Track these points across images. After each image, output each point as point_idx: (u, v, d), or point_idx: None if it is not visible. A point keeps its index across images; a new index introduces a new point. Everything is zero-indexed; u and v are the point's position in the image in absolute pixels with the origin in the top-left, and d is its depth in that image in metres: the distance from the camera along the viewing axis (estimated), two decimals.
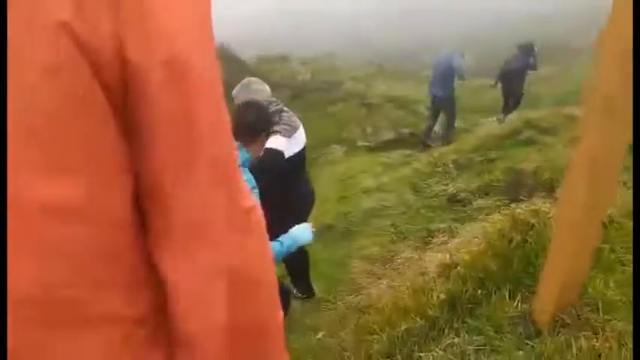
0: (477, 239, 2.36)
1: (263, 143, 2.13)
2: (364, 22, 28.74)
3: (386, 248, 4.07)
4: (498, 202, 4.57)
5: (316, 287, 3.63)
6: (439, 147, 7.09)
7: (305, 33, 25.30)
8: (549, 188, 4.72)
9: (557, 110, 7.94)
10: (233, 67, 9.57)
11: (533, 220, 1.95)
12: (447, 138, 7.77)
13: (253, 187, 1.76)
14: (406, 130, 8.89)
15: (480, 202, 4.65)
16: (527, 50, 8.31)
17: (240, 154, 1.77)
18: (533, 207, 2.14)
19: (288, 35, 22.84)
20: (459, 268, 2.08)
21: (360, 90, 10.91)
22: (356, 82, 12.09)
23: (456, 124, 8.41)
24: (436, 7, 29.01)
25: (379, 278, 3.58)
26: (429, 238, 4.11)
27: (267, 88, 2.86)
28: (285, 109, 2.75)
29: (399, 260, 3.82)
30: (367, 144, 8.00)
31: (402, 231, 4.36)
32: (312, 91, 10.18)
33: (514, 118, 7.77)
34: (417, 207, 4.82)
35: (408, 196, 5.10)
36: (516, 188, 4.72)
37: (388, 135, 8.61)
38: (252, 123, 2.02)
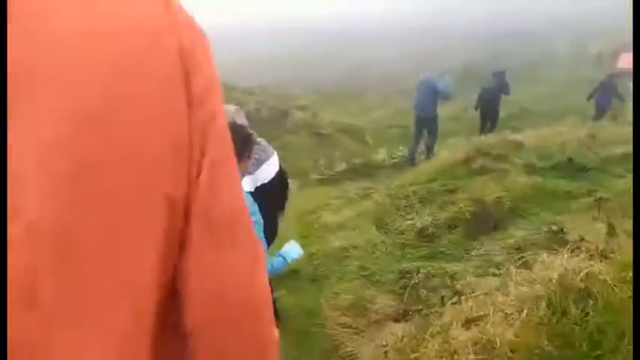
0: (509, 308, 1.94)
1: (247, 166, 2.08)
2: (305, 49, 29.11)
3: (358, 295, 3.78)
4: (469, 237, 4.47)
5: (286, 345, 3.25)
6: (394, 178, 6.98)
7: (248, 62, 25.12)
8: (516, 217, 4.69)
9: (504, 136, 8.20)
10: None
11: (593, 289, 1.64)
12: (429, 157, 8.06)
13: (254, 213, 1.73)
14: (358, 161, 8.79)
15: (450, 237, 4.51)
16: (500, 77, 9.21)
17: None
18: (585, 269, 1.82)
19: (232, 65, 22.52)
20: (496, 346, 1.70)
21: (308, 120, 10.75)
22: (304, 111, 11.94)
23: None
24: (373, 32, 29.98)
25: (357, 333, 3.28)
26: (403, 280, 3.89)
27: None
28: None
29: (375, 308, 3.56)
30: (321, 177, 7.77)
31: (373, 274, 4.10)
32: (260, 122, 9.87)
33: (464, 145, 7.89)
34: (385, 245, 4.59)
35: (374, 233, 4.87)
36: (483, 220, 4.64)
37: (341, 166, 8.45)
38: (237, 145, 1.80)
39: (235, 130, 1.87)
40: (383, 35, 28.44)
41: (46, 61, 0.37)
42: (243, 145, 1.98)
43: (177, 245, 0.44)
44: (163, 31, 0.43)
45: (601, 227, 3.25)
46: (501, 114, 10.39)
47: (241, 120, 2.44)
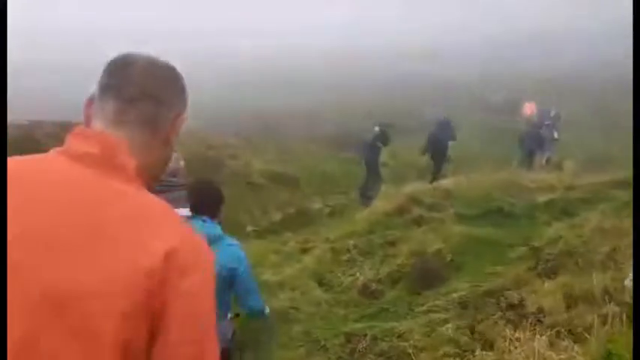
0: None
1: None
2: (225, 91, 28.97)
3: None
4: (412, 292, 4.38)
5: None
6: (332, 228, 6.87)
7: None
8: (457, 270, 4.71)
9: (433, 184, 8.47)
10: None
11: None
12: (369, 196, 8.78)
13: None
14: (293, 210, 8.62)
15: (393, 293, 4.40)
16: (446, 124, 10.19)
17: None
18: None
19: None
20: None
21: (240, 169, 10.47)
22: (234, 159, 11.64)
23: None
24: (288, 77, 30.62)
25: None
26: (350, 345, 3.67)
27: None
28: None
29: None
30: (257, 228, 7.48)
31: (318, 339, 3.84)
32: (194, 173, 9.45)
33: (396, 193, 8.03)
34: (328, 305, 4.37)
35: (316, 291, 4.65)
36: (425, 275, 4.60)
37: (276, 216, 8.22)
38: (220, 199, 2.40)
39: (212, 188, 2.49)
40: (308, 79, 29.20)
41: None
42: (218, 201, 2.38)
43: None
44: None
45: (551, 288, 3.26)
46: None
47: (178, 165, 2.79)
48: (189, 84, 0.93)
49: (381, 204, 7.67)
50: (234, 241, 2.38)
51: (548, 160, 12.46)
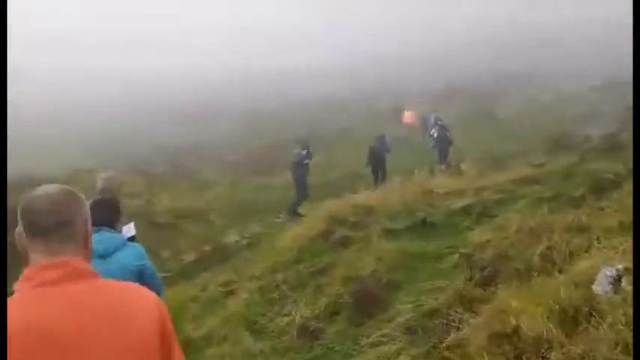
0: None
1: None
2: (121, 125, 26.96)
3: None
4: (354, 324, 4.04)
5: None
6: (255, 262, 6.34)
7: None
8: (395, 290, 4.46)
9: (348, 200, 8.31)
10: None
11: None
12: (295, 211, 9.35)
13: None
14: (208, 247, 7.93)
15: (335, 328, 4.02)
16: (383, 139, 11.84)
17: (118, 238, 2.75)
18: None
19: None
20: None
21: (140, 208, 9.46)
22: (133, 198, 10.55)
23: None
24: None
25: None
26: None
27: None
28: None
29: None
30: (169, 274, 6.68)
31: None
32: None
33: (316, 215, 7.72)
34: (264, 355, 3.87)
35: (248, 341, 4.11)
36: (364, 302, 4.29)
37: (189, 257, 7.47)
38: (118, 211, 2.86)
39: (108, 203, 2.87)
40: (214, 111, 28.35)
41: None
42: (115, 213, 2.80)
43: None
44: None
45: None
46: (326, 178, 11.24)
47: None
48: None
49: (301, 229, 7.31)
50: (134, 242, 2.98)
51: (448, 165, 13.09)
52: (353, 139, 21.50)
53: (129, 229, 3.44)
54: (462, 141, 16.81)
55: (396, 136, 17.28)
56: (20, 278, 1.11)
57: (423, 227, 5.87)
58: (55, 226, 1.13)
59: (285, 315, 4.34)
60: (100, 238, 2.56)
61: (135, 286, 1.25)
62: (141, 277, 2.61)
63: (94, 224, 2.16)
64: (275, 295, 4.72)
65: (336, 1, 50.87)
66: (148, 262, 2.75)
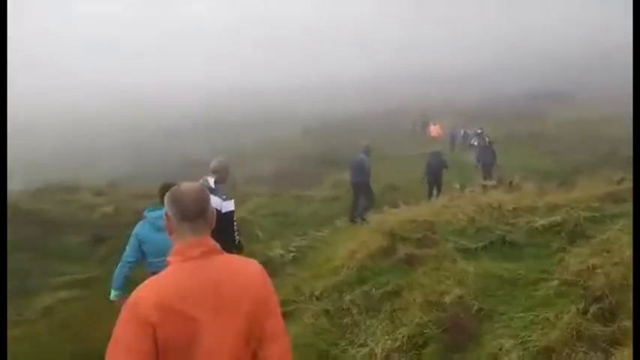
0: None
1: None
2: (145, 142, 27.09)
3: None
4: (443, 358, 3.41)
5: None
6: (309, 280, 5.77)
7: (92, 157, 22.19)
8: (486, 322, 3.82)
9: (403, 214, 7.69)
10: None
11: None
12: (363, 217, 9.26)
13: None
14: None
15: None
16: (439, 155, 12.32)
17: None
18: None
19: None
20: None
21: None
22: None
23: None
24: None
25: None
26: None
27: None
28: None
29: None
30: None
31: None
32: (121, 228, 7.92)
33: (367, 229, 7.15)
34: None
35: None
36: (456, 334, 3.67)
37: None
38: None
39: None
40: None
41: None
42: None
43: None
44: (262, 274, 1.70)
45: None
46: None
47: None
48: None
49: (355, 244, 6.72)
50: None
51: (499, 180, 12.36)
52: (380, 154, 20.84)
53: (229, 205, 4.31)
54: (500, 158, 16.06)
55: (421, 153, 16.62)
56: (172, 252, 1.63)
57: (503, 246, 5.22)
58: (198, 214, 1.64)
59: (362, 345, 3.75)
60: (160, 214, 3.12)
61: (243, 258, 1.78)
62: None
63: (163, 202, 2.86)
64: (345, 320, 4.13)
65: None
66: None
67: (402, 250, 5.64)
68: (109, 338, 1.47)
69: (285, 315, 4.66)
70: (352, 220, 9.69)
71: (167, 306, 1.47)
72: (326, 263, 6.07)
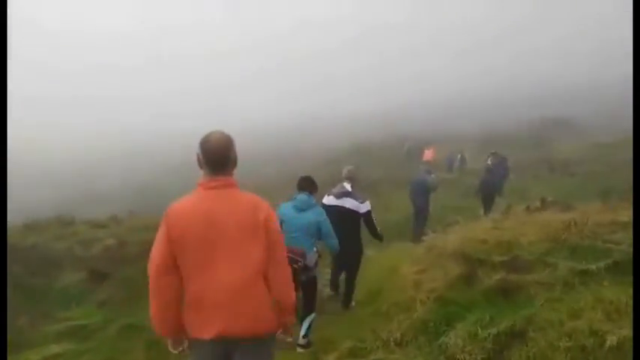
0: None
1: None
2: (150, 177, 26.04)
3: None
4: None
5: None
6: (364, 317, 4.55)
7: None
8: None
9: (466, 234, 6.51)
10: None
11: None
12: (422, 235, 8.91)
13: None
14: None
15: None
16: (502, 161, 11.83)
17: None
18: None
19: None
20: None
21: None
22: None
23: None
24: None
25: None
26: None
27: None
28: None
29: None
30: None
31: None
32: (126, 259, 6.69)
33: (397, 254, 5.95)
34: None
35: None
36: None
37: None
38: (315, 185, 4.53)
39: (311, 179, 4.56)
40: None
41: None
42: (313, 186, 4.53)
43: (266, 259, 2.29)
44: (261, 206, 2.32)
45: None
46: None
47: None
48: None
49: (413, 270, 5.50)
50: (318, 206, 4.46)
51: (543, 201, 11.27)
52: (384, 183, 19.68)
53: (366, 206, 5.06)
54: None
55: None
56: (197, 183, 2.29)
57: (619, 266, 4.04)
58: (218, 158, 2.26)
59: None
60: (301, 198, 4.32)
61: (258, 198, 2.34)
62: (319, 228, 4.27)
63: (301, 190, 4.40)
64: None
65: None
66: (325, 219, 4.30)
67: (485, 275, 4.46)
68: None
69: None
70: (414, 241, 9.18)
71: (183, 218, 2.21)
72: (394, 294, 4.84)
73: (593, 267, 4.02)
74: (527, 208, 10.71)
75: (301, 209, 4.24)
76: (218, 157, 2.24)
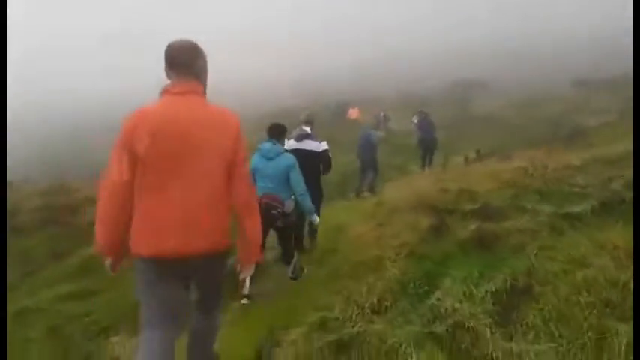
0: None
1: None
2: None
3: None
4: None
5: None
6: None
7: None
8: None
9: (422, 184, 6.03)
10: None
11: None
12: (372, 190, 9.09)
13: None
14: None
15: None
16: (426, 117, 11.15)
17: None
18: None
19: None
20: None
21: None
22: None
23: None
24: None
25: None
26: None
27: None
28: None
29: None
30: None
31: None
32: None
33: (360, 205, 5.39)
34: None
35: None
36: None
37: None
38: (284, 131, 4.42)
39: (280, 126, 4.37)
40: None
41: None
42: (282, 133, 4.39)
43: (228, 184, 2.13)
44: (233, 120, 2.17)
45: None
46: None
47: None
48: None
49: (373, 229, 4.92)
50: (288, 154, 4.26)
51: (478, 154, 11.30)
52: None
53: (323, 145, 5.09)
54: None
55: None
56: (162, 91, 2.12)
57: (606, 208, 3.73)
58: (186, 61, 2.11)
59: None
60: (265, 147, 4.20)
61: (228, 110, 2.19)
62: (287, 176, 4.10)
63: (271, 137, 4.28)
64: (475, 352, 2.33)
65: None
66: (295, 167, 4.13)
67: (461, 227, 3.98)
68: None
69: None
70: (359, 195, 9.18)
71: (150, 130, 1.99)
72: (354, 253, 4.21)
73: (578, 210, 3.66)
74: (466, 159, 10.66)
75: (269, 158, 4.13)
76: (182, 58, 2.10)
